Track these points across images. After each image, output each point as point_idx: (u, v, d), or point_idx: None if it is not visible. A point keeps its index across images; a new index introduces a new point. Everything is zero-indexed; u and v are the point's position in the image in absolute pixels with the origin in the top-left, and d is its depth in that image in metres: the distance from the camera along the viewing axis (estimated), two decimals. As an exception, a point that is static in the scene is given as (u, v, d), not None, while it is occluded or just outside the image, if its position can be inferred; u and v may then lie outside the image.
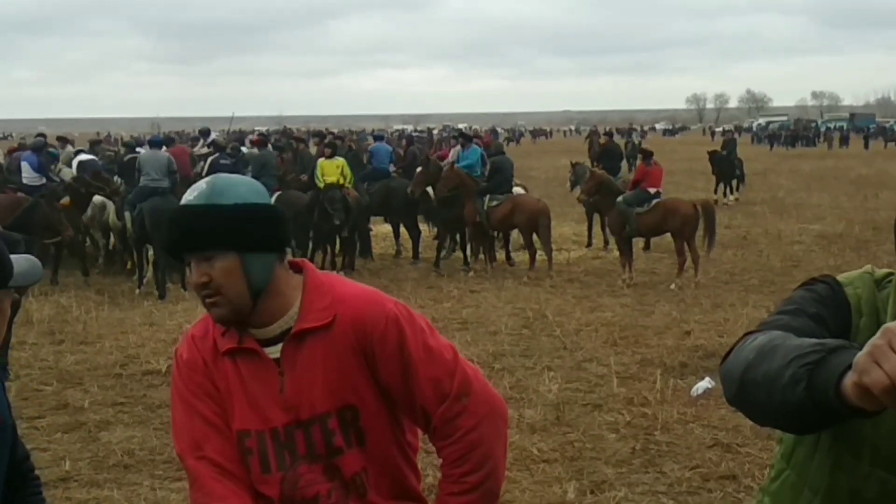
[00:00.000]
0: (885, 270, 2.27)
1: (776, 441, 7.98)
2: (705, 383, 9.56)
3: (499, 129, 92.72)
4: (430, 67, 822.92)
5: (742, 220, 24.66)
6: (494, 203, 17.46)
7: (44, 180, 18.13)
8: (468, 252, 18.40)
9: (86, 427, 8.91)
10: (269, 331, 2.86)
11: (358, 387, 2.86)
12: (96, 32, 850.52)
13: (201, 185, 2.85)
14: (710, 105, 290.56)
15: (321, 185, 17.72)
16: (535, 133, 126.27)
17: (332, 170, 17.96)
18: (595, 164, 24.35)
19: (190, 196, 2.83)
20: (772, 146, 75.33)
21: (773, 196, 31.64)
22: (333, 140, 22.48)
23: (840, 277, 2.27)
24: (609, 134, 30.80)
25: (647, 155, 17.40)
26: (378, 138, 24.99)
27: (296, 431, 2.85)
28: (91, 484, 7.46)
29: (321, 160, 18.53)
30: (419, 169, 19.18)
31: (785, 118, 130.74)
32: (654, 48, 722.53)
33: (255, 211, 2.84)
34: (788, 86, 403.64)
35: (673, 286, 15.39)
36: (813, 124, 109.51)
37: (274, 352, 2.87)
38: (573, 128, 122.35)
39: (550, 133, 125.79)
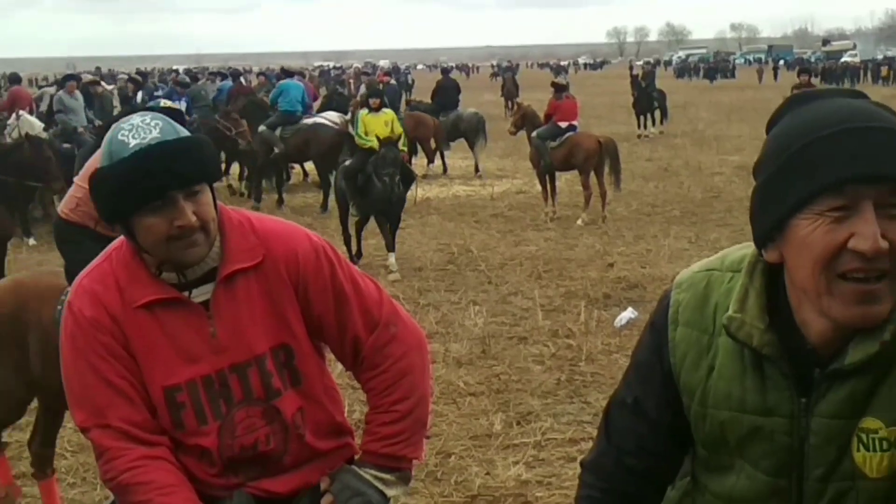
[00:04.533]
0: (742, 252, 2.05)
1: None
2: (628, 314, 9.64)
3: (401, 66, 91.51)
4: (351, 2, 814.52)
5: (663, 153, 24.84)
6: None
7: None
8: None
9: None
10: (192, 272, 2.73)
11: (291, 325, 2.82)
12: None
13: (149, 122, 2.63)
14: (630, 38, 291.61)
15: (367, 144, 12.85)
16: (459, 69, 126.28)
17: (378, 126, 13.06)
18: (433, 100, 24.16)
19: (152, 133, 2.59)
20: (712, 80, 75.11)
21: (693, 128, 31.86)
22: (377, 86, 20.14)
23: (679, 277, 2.13)
24: (445, 70, 30.93)
25: (559, 88, 17.21)
26: (288, 74, 23.00)
27: (230, 376, 2.76)
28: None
29: (363, 113, 13.63)
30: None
31: (704, 51, 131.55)
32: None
33: (208, 143, 2.78)
34: (707, 18, 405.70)
35: (580, 221, 15.35)
36: (731, 57, 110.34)
37: (197, 295, 2.76)
38: (495, 63, 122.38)
39: (477, 69, 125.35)
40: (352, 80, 36.49)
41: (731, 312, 1.95)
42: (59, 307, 4.97)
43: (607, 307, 10.23)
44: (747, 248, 2.04)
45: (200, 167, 2.66)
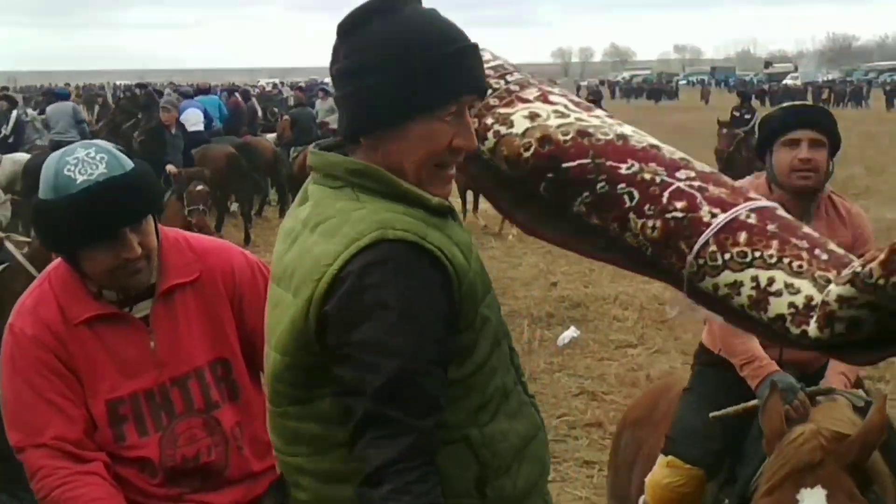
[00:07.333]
0: (361, 213, 2.14)
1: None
2: (571, 332, 9.70)
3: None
4: (300, 19, 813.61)
5: (607, 173, 24.98)
6: (295, 154, 17.98)
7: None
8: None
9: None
10: (131, 289, 2.79)
11: (229, 339, 2.87)
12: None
13: (94, 156, 2.64)
14: (575, 59, 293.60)
15: None
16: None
17: None
18: None
19: (99, 169, 2.61)
20: (657, 100, 75.64)
21: (637, 148, 32.01)
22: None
23: (410, 242, 2.09)
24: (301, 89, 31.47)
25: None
26: (203, 91, 22.52)
27: (171, 389, 2.80)
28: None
29: None
30: None
31: (648, 72, 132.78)
32: (521, 0, 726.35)
33: (151, 172, 2.82)
34: (651, 39, 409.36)
35: (511, 237, 15.44)
36: (674, 78, 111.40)
37: (136, 311, 2.81)
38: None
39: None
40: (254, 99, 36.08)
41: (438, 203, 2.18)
42: None
43: (550, 326, 10.27)
44: (362, 216, 2.11)
45: (146, 200, 2.72)
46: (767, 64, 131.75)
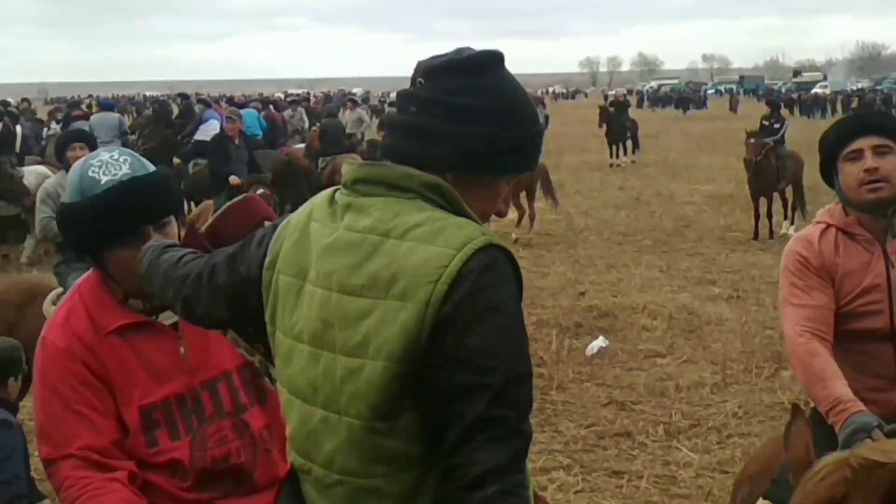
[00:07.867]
0: (458, 223, 2.16)
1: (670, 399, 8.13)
2: (599, 342, 9.67)
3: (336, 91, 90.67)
4: (327, 31, 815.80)
5: (635, 182, 24.94)
6: (323, 164, 18.06)
7: None
8: None
9: (-27, 399, 8.69)
10: (158, 298, 2.80)
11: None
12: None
13: (118, 158, 2.76)
14: (602, 69, 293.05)
15: None
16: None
17: None
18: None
19: (123, 169, 2.73)
20: (685, 109, 75.06)
21: (664, 158, 32.00)
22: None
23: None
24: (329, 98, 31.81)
25: None
26: (240, 105, 23.74)
27: (201, 393, 2.84)
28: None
29: None
30: None
31: (676, 81, 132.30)
32: (550, 12, 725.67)
33: (173, 175, 2.87)
34: (679, 49, 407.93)
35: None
36: (702, 87, 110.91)
37: (165, 318, 2.85)
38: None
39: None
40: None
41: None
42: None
43: (579, 336, 10.24)
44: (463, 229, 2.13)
45: (169, 200, 2.78)
46: (796, 73, 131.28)
